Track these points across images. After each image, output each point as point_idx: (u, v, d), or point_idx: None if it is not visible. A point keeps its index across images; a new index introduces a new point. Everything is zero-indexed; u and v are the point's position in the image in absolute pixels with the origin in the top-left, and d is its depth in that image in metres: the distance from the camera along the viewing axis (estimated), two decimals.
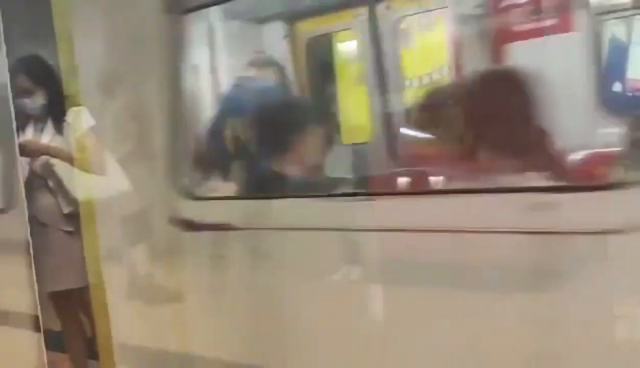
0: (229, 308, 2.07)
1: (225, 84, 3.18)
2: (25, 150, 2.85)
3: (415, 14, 3.44)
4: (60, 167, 2.99)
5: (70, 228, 2.98)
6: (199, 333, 2.15)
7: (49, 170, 3.02)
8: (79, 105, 2.67)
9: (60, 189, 3.00)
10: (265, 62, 3.22)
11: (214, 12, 2.88)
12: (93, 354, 2.94)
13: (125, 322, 2.39)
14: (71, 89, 2.52)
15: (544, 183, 1.68)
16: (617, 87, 3.37)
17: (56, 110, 2.90)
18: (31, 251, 2.48)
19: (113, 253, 2.55)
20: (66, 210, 3.00)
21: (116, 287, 2.51)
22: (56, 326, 3.02)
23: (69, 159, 2.97)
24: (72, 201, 2.95)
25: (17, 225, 2.56)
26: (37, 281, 2.50)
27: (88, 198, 2.78)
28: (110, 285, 2.52)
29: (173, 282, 2.24)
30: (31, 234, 2.51)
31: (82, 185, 2.85)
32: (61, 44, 2.35)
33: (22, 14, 2.48)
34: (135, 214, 2.37)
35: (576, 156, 2.14)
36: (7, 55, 2.37)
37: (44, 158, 3.00)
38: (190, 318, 2.16)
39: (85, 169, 2.86)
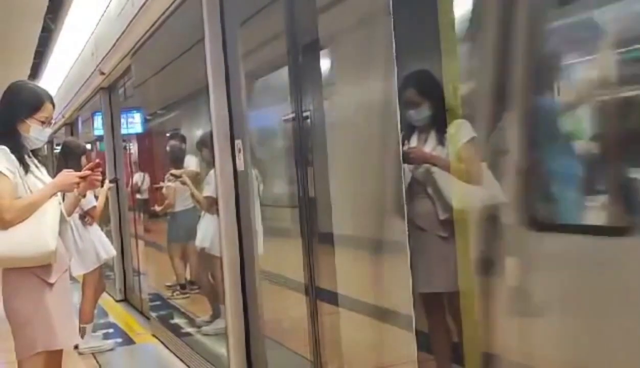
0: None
1: None
2: (409, 158, 3.05)
3: None
4: (439, 175, 3.14)
5: (445, 234, 3.12)
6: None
7: (429, 177, 3.19)
8: (461, 118, 2.77)
9: (438, 196, 3.15)
10: None
11: None
12: (458, 359, 3.02)
13: (494, 332, 2.39)
14: (453, 102, 2.62)
15: None
16: None
17: (439, 122, 3.06)
18: (409, 254, 2.63)
19: (483, 262, 2.58)
20: (442, 216, 3.14)
21: (486, 296, 2.53)
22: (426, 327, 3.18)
23: (448, 168, 3.10)
24: (449, 208, 3.08)
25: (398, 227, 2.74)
26: (413, 283, 2.64)
27: (463, 206, 2.86)
28: (481, 293, 2.56)
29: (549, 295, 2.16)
30: (409, 237, 2.66)
31: (458, 193, 2.95)
32: (446, 59, 2.46)
33: (412, 31, 2.65)
34: (510, 225, 2.36)
35: None
36: (398, 70, 2.56)
37: (425, 166, 3.18)
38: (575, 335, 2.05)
39: (463, 178, 2.95)
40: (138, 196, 7.53)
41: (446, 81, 2.53)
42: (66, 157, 5.61)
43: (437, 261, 3.10)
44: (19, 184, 3.11)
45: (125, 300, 8.14)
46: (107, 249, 5.95)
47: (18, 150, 3.16)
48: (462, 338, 2.74)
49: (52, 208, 3.13)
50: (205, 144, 4.91)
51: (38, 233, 3.05)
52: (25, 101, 3.25)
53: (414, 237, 2.67)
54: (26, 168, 3.17)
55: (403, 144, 2.86)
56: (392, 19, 2.49)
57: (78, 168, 4.38)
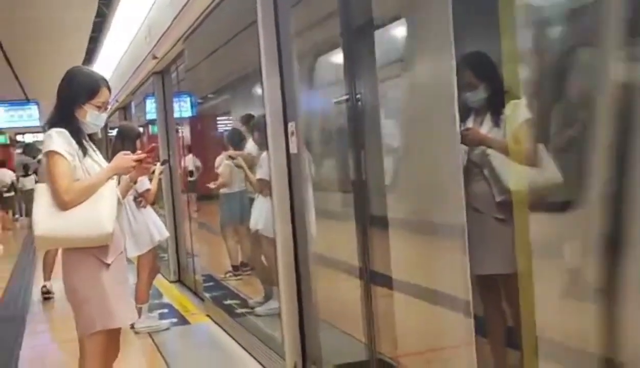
0: None
1: None
2: (465, 139, 3.02)
3: None
4: (495, 157, 3.10)
5: (501, 216, 3.09)
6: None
7: (485, 159, 3.15)
8: (518, 98, 2.72)
9: (494, 178, 3.12)
10: None
11: None
12: (513, 343, 2.99)
13: (553, 317, 2.36)
14: (511, 83, 2.58)
15: None
16: None
17: (495, 104, 3.02)
18: (466, 237, 2.61)
19: (544, 245, 2.54)
20: (499, 198, 3.11)
21: (545, 279, 2.50)
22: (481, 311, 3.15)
23: (504, 150, 3.06)
24: (505, 190, 3.04)
25: (454, 210, 2.71)
26: (470, 266, 2.62)
27: (521, 188, 2.82)
28: (539, 276, 2.52)
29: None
30: (467, 219, 2.64)
31: (515, 175, 2.91)
32: (505, 39, 2.41)
33: (471, 10, 2.60)
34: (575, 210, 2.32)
35: None
36: (455, 51, 2.52)
37: (481, 148, 3.15)
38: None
39: (519, 160, 2.91)
40: (190, 179, 7.64)
41: (505, 61, 2.49)
42: (122, 140, 5.70)
43: (493, 243, 3.07)
44: (77, 167, 3.18)
45: (179, 281, 8.27)
46: (161, 231, 6.05)
47: (76, 134, 3.22)
48: (519, 322, 2.71)
49: (110, 191, 3.20)
50: (257, 127, 4.95)
51: (96, 215, 3.11)
52: (82, 87, 3.30)
53: (471, 220, 2.64)
54: (84, 151, 3.24)
55: (460, 127, 2.83)
56: None
57: (133, 151, 4.44)
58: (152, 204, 6.04)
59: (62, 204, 3.10)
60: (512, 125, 2.95)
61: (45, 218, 3.11)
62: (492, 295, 3.29)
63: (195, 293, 7.33)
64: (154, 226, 5.96)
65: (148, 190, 5.78)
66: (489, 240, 3.05)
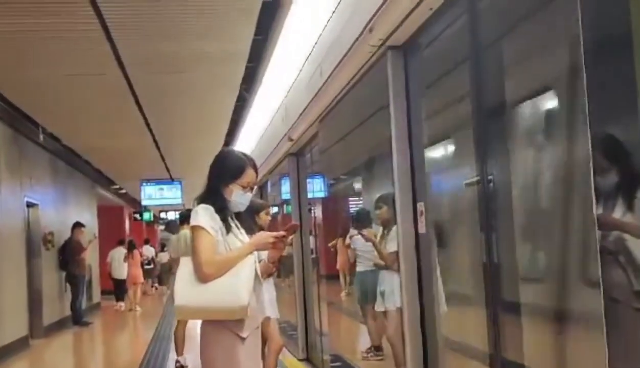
0: None
1: None
2: (602, 225, 2.87)
3: None
4: (633, 242, 2.92)
5: None
6: None
7: (621, 245, 2.98)
8: None
9: (631, 265, 2.93)
10: None
11: None
12: None
13: None
14: None
15: None
16: None
17: (628, 188, 2.88)
18: (604, 327, 2.46)
19: None
20: (638, 287, 2.91)
21: None
22: None
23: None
24: None
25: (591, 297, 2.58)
26: (609, 359, 2.46)
27: None
28: None
29: None
30: (605, 309, 2.50)
31: None
32: None
33: (607, 88, 2.52)
34: None
35: None
36: (591, 131, 2.44)
37: (615, 233, 2.98)
38: None
39: None
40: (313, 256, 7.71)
41: None
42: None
43: (635, 336, 2.87)
44: (220, 242, 3.29)
45: (308, 359, 8.25)
46: (273, 309, 5.93)
47: (221, 211, 3.35)
48: None
49: (248, 266, 3.27)
50: (385, 201, 4.96)
51: (233, 288, 3.19)
52: (229, 167, 3.46)
53: (609, 310, 2.49)
54: (228, 228, 3.35)
55: (596, 209, 2.72)
56: (585, 75, 2.39)
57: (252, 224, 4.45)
58: (276, 276, 6.05)
59: (203, 277, 3.21)
60: None
61: (186, 289, 3.23)
62: None
63: None
64: (269, 303, 5.83)
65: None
66: (629, 333, 2.85)
